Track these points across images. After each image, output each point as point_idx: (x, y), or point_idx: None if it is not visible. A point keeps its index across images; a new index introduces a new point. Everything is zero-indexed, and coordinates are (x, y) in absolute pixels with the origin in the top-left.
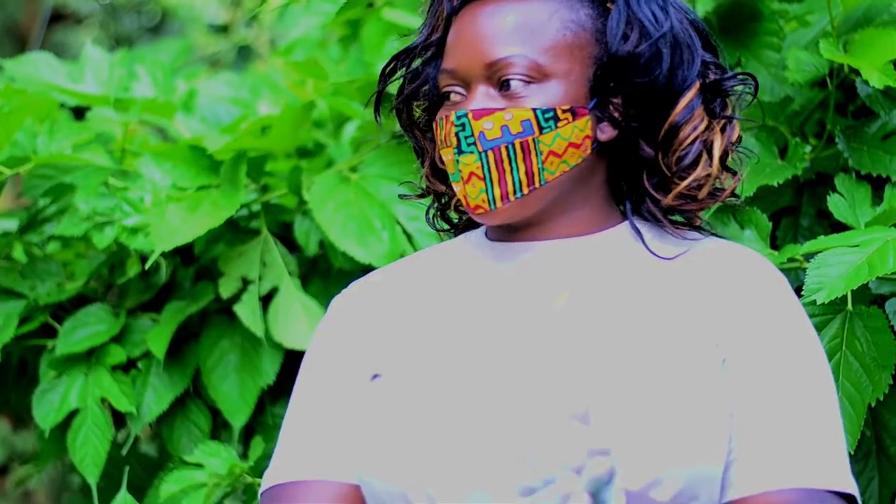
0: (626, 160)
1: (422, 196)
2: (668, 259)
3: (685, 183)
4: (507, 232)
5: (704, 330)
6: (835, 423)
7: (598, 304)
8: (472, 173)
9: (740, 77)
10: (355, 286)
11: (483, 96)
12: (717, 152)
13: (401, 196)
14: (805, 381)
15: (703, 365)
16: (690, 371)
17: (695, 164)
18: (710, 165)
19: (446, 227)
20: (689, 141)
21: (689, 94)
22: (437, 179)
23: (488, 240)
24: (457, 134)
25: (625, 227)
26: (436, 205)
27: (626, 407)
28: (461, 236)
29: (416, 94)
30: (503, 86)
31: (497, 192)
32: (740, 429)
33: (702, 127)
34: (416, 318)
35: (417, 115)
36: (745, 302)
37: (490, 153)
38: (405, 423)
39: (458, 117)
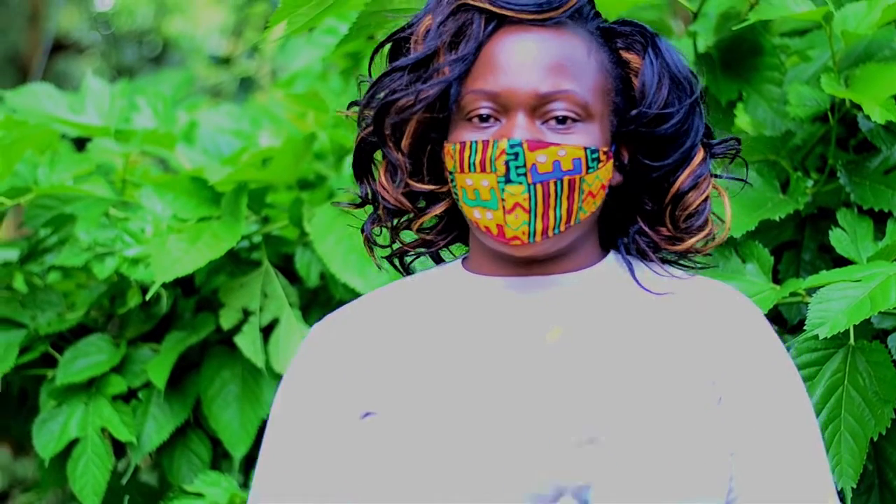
0: (623, 203)
1: (359, 206)
2: (659, 294)
3: (697, 238)
4: (506, 266)
5: (699, 368)
6: (823, 454)
7: (596, 339)
8: (517, 204)
9: (730, 143)
10: (337, 316)
11: (528, 126)
12: (728, 210)
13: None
14: (798, 418)
15: (700, 402)
16: (688, 408)
17: (706, 222)
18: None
19: (384, 244)
20: (697, 203)
21: (697, 160)
22: (408, 198)
23: (470, 272)
24: (507, 162)
25: (612, 261)
26: (393, 221)
27: (624, 442)
28: (445, 266)
29: (406, 107)
30: (555, 120)
31: (539, 226)
32: (742, 467)
33: (709, 191)
34: (409, 352)
35: (406, 128)
36: (738, 341)
37: (539, 186)
38: (410, 463)
39: (512, 146)
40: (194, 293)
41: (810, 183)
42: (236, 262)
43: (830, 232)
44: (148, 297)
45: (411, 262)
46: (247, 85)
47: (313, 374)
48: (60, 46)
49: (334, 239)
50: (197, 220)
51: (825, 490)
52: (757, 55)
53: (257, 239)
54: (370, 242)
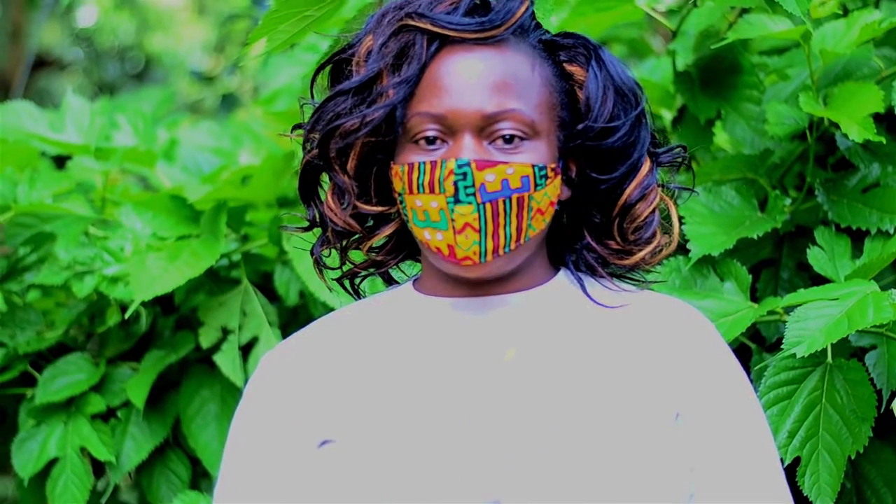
0: (571, 217)
1: (307, 229)
2: (612, 308)
3: (646, 251)
4: (458, 287)
5: (655, 385)
6: (779, 465)
7: (551, 359)
8: (467, 224)
9: (676, 150)
10: (289, 343)
11: (474, 146)
12: (675, 221)
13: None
14: (753, 431)
15: (657, 419)
16: (645, 426)
17: (654, 234)
18: (667, 232)
19: (334, 266)
20: (646, 214)
21: (644, 170)
22: (356, 220)
23: (423, 294)
24: (455, 182)
25: (562, 278)
26: (341, 243)
27: (583, 461)
28: (397, 289)
29: (351, 131)
30: (502, 139)
31: (490, 245)
32: (701, 483)
33: (657, 201)
34: (365, 378)
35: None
36: (693, 356)
37: (489, 205)
38: (373, 489)
39: (460, 166)
40: (174, 312)
41: (788, 201)
42: (216, 281)
43: (808, 250)
44: (127, 316)
45: (360, 282)
46: (229, 102)
47: (267, 406)
48: (42, 63)
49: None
50: (176, 239)
51: (781, 497)
52: (736, 73)
53: (237, 257)
54: (320, 265)
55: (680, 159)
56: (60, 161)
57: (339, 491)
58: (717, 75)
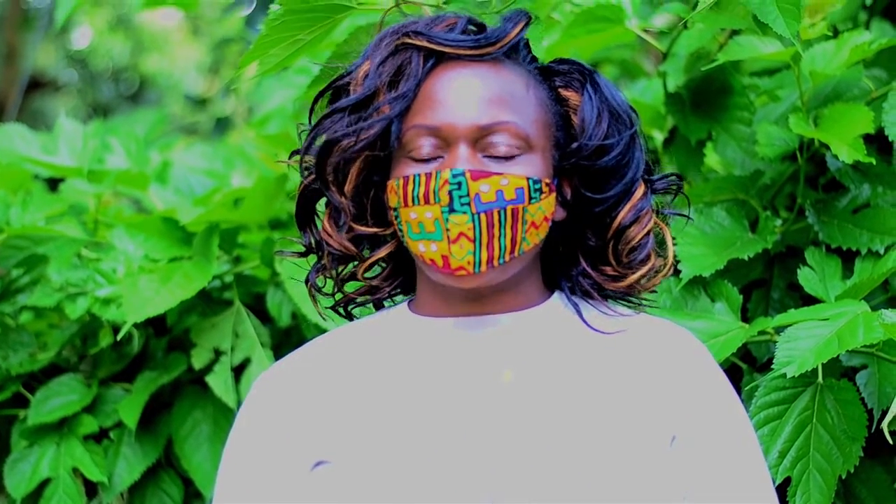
0: (566, 240)
1: (303, 255)
2: (608, 334)
3: (640, 273)
4: (453, 306)
5: (651, 410)
6: (772, 487)
7: (547, 381)
8: (461, 234)
9: (671, 178)
10: (284, 365)
11: (469, 157)
12: (669, 244)
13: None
14: (748, 455)
15: (652, 445)
16: (640, 452)
17: (648, 256)
18: (661, 255)
19: (329, 293)
20: (640, 237)
21: (638, 194)
22: (353, 243)
23: (418, 314)
24: (450, 192)
25: (556, 301)
26: (337, 269)
27: (579, 483)
28: (391, 310)
29: (348, 148)
30: (497, 152)
31: (484, 255)
32: None
33: (651, 224)
34: (360, 398)
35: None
36: (688, 382)
37: (483, 216)
38: None
39: (455, 175)
40: (166, 333)
41: (779, 222)
42: (208, 302)
43: (799, 271)
44: (119, 337)
45: (352, 309)
46: (223, 124)
47: (261, 428)
48: (37, 84)
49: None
50: (168, 260)
51: None
52: (726, 95)
53: (229, 279)
54: (315, 291)
55: (675, 187)
56: (53, 183)
57: None
58: (708, 96)
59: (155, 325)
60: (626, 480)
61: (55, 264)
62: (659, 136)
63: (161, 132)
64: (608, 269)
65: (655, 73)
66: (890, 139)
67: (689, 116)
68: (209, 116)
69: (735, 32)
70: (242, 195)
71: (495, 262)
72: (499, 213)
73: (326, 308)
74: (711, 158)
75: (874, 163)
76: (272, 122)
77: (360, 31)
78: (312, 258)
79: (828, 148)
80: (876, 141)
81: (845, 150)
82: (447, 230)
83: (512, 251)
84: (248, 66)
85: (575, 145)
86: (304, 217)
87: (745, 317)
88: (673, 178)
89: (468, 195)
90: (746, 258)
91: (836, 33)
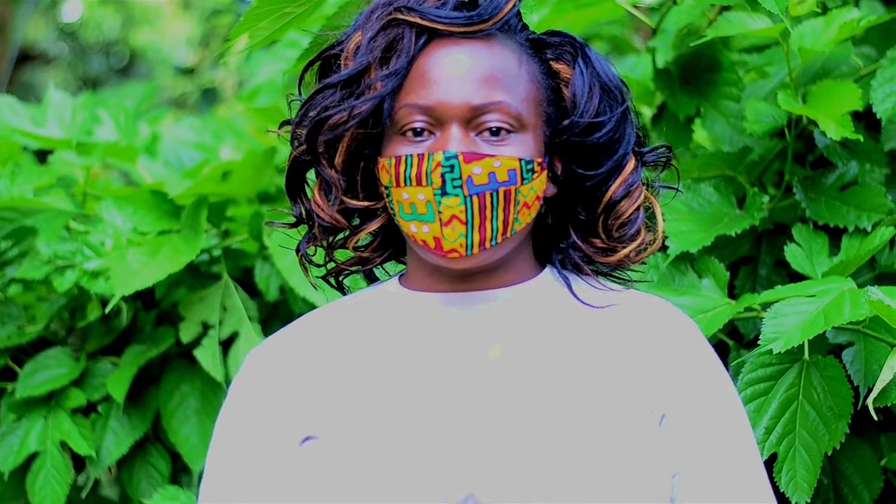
0: (557, 215)
1: (293, 225)
2: (598, 308)
3: (630, 248)
4: (443, 282)
5: (640, 387)
6: (762, 466)
7: (536, 356)
8: (453, 216)
9: (661, 150)
10: (275, 340)
11: (462, 139)
12: (659, 219)
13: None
14: (737, 434)
15: (641, 422)
16: (628, 429)
17: (638, 231)
18: (650, 230)
19: (320, 263)
20: (630, 212)
21: (628, 168)
22: (343, 215)
23: (409, 289)
24: (443, 174)
25: (548, 275)
26: (327, 239)
27: (564, 459)
28: (382, 284)
29: (339, 124)
30: (489, 132)
31: (476, 237)
32: (687, 484)
33: (641, 198)
34: (350, 374)
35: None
36: (678, 359)
37: (475, 198)
38: (356, 486)
39: (447, 158)
40: (154, 306)
41: (767, 199)
42: (196, 276)
43: (786, 247)
44: (108, 311)
45: (343, 278)
46: (211, 96)
47: (252, 404)
48: (27, 57)
49: (294, 253)
50: (157, 234)
51: (765, 497)
52: (715, 71)
53: (217, 252)
54: (306, 261)
55: (664, 159)
56: (42, 155)
57: (321, 488)
58: (697, 73)
59: (143, 299)
60: (613, 455)
61: (43, 237)
62: (648, 112)
63: (150, 105)
64: (598, 242)
65: (644, 49)
66: (878, 116)
67: (677, 92)
68: (197, 87)
69: (724, 8)
70: (231, 168)
71: (487, 244)
72: (491, 195)
73: (317, 277)
74: (700, 135)
75: (862, 140)
76: (261, 95)
77: (350, 5)
78: (303, 229)
79: (816, 125)
80: (864, 118)
81: (833, 126)
82: (439, 213)
83: (504, 232)
84: (237, 39)
85: (566, 122)
86: (295, 187)
87: (733, 293)
88: (662, 150)
89: (460, 178)
90: (734, 234)
91: (825, 10)
